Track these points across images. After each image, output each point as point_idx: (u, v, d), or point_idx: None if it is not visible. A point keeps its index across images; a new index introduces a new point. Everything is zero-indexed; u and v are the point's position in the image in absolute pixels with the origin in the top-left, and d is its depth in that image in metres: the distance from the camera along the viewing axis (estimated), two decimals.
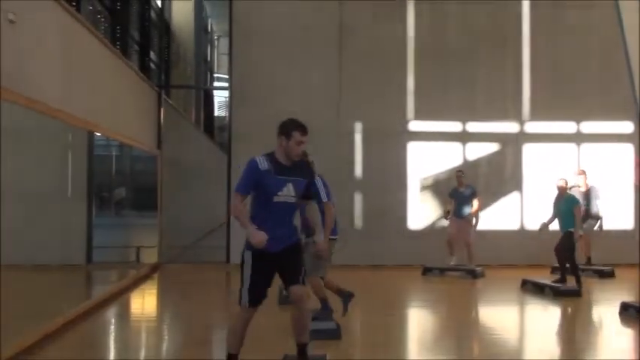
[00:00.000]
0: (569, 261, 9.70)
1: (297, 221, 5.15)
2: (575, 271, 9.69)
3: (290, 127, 4.81)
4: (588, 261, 11.34)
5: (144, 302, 9.62)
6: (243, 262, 4.86)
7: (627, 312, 7.69)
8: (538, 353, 6.50)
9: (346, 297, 7.15)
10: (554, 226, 9.90)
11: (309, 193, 5.05)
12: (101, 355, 6.40)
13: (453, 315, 8.46)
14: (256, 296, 4.83)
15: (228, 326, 4.94)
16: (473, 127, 12.64)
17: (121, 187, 12.89)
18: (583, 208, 10.40)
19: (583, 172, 11.21)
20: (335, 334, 6.31)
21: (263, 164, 4.77)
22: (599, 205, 11.09)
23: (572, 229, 9.57)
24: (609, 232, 11.48)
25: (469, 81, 12.59)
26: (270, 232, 4.66)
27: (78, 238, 9.04)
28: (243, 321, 4.89)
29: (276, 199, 4.79)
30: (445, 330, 7.58)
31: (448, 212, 11.38)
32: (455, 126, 12.63)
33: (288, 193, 4.81)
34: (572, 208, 9.60)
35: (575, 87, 12.56)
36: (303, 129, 4.83)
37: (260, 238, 4.61)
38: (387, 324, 7.52)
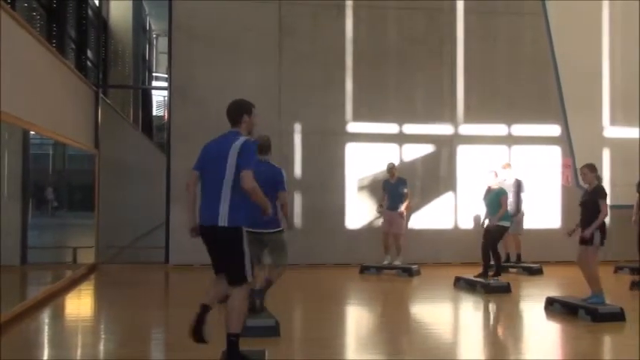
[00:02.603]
0: (492, 250, 9.92)
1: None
2: (497, 261, 9.91)
3: (249, 104, 5.15)
4: (518, 258, 11.80)
5: (80, 303, 9.50)
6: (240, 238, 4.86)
7: (552, 306, 8.09)
8: (469, 345, 6.81)
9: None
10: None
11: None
12: (36, 356, 6.34)
13: (389, 311, 8.71)
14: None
15: (232, 308, 4.84)
16: (409, 128, 12.95)
17: (48, 188, 12.62)
18: (511, 200, 10.78)
19: (508, 166, 11.60)
20: (274, 331, 6.41)
21: None
22: (523, 198, 11.51)
23: (501, 223, 9.87)
24: (538, 231, 11.97)
25: (406, 84, 12.89)
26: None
27: (12, 238, 8.88)
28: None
29: None
30: (381, 325, 7.81)
31: (381, 206, 11.60)
32: (392, 127, 12.92)
33: None
34: (500, 199, 9.95)
35: (506, 91, 13.03)
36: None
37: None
38: (325, 320, 7.68)
